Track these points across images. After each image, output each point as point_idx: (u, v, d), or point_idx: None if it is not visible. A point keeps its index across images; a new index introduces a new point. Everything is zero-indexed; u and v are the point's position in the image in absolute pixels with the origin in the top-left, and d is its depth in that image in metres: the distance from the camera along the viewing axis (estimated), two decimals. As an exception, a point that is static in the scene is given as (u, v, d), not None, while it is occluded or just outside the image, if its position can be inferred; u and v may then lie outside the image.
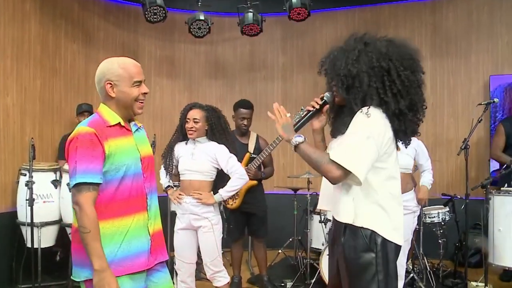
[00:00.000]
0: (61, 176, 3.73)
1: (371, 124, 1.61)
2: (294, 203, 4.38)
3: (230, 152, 2.94)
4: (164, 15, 4.44)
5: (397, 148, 3.07)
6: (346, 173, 1.60)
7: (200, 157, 2.91)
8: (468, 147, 3.56)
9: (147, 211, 1.79)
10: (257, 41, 5.51)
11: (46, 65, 4.32)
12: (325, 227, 3.79)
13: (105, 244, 1.64)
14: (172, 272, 3.07)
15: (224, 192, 2.89)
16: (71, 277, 1.73)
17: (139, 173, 1.77)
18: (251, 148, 3.83)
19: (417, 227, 3.65)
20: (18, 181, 3.65)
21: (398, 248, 1.70)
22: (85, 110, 4.22)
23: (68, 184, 3.59)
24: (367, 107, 1.63)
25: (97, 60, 4.78)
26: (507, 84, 4.66)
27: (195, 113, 2.93)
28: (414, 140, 3.21)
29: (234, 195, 3.38)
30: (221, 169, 2.93)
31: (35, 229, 3.45)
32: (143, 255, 1.74)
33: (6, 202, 3.79)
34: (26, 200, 3.33)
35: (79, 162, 1.61)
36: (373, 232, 1.64)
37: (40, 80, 4.25)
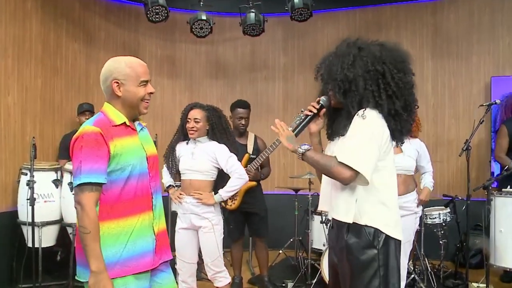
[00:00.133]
0: (62, 176, 3.72)
1: (370, 125, 1.67)
2: (295, 203, 4.37)
3: (231, 152, 2.93)
4: (166, 14, 4.43)
5: (400, 150, 3.10)
6: (355, 173, 1.65)
7: (200, 157, 2.91)
8: (469, 148, 3.56)
9: (153, 210, 1.78)
10: (258, 41, 5.51)
11: (47, 65, 4.32)
12: (326, 228, 3.78)
13: (110, 244, 1.63)
14: (174, 272, 3.07)
15: (224, 192, 2.89)
16: (76, 277, 1.72)
17: (145, 172, 1.76)
18: (249, 149, 3.83)
19: (418, 228, 3.64)
20: (19, 181, 3.65)
21: (399, 243, 1.75)
22: (86, 109, 4.22)
23: (69, 184, 3.59)
24: (363, 109, 1.69)
25: (98, 60, 4.87)
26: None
27: (196, 113, 2.93)
28: (417, 142, 3.24)
29: (233, 195, 3.38)
30: (222, 169, 2.93)
31: (35, 229, 3.44)
32: (148, 255, 1.74)
33: (6, 202, 3.78)
34: (27, 199, 3.33)
35: (84, 161, 1.60)
36: (376, 229, 1.69)
37: (41, 79, 4.24)
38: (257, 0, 4.70)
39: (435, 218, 3.94)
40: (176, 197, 2.95)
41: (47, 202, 3.61)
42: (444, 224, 3.97)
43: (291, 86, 5.64)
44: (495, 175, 4.54)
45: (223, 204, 3.62)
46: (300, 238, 4.45)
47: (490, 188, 3.54)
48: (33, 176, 3.33)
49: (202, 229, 2.89)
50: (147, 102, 1.77)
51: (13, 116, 3.90)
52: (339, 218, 1.76)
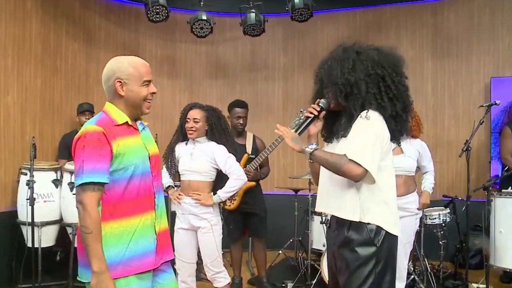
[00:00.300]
0: (61, 176, 3.72)
1: (373, 125, 1.73)
2: (295, 203, 4.37)
3: (229, 153, 2.93)
4: (166, 14, 4.43)
5: (400, 151, 3.09)
6: (365, 171, 1.69)
7: (199, 158, 2.91)
8: (469, 149, 3.56)
9: (155, 210, 1.78)
10: (258, 41, 5.51)
11: (47, 64, 4.31)
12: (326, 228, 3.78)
13: (113, 244, 1.63)
14: (174, 272, 3.06)
15: (223, 193, 2.89)
16: (78, 278, 1.72)
17: (147, 172, 1.76)
18: (248, 149, 3.83)
19: (418, 228, 3.65)
20: (19, 180, 3.64)
21: (397, 239, 1.82)
22: (86, 109, 4.22)
23: (69, 184, 3.59)
24: (366, 111, 1.76)
25: (98, 60, 4.87)
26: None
27: (195, 113, 2.93)
28: (417, 142, 3.23)
29: (232, 196, 3.38)
30: (221, 170, 2.92)
31: (35, 229, 3.43)
32: (150, 255, 1.73)
33: (6, 202, 3.77)
34: (27, 199, 3.32)
35: (86, 161, 1.59)
36: (378, 227, 1.75)
37: (41, 79, 4.23)
38: (258, 0, 4.70)
39: (435, 218, 3.94)
40: (175, 197, 2.94)
41: (46, 202, 3.60)
42: (443, 224, 3.97)
43: (291, 86, 5.64)
44: (498, 175, 4.53)
45: (222, 204, 3.63)
46: (300, 239, 4.45)
47: (490, 188, 3.54)
48: (33, 176, 3.33)
49: (201, 229, 2.88)
50: (149, 102, 1.77)
51: (13, 116, 3.90)
52: (344, 216, 1.79)
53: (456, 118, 5.06)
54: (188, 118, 2.93)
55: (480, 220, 4.03)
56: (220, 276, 2.94)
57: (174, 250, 2.93)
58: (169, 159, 3.02)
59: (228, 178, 2.91)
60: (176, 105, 5.39)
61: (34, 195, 3.33)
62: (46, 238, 3.60)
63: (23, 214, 3.49)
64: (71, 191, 3.57)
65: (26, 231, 3.51)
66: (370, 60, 1.78)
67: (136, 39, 5.35)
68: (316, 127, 1.93)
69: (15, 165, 3.78)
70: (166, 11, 4.40)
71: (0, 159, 3.75)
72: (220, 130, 2.97)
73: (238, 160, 3.56)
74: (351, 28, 5.40)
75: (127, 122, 1.73)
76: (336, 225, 1.87)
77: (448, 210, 4.05)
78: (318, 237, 4.19)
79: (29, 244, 3.47)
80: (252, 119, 3.95)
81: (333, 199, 1.84)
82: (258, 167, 3.83)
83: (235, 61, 5.75)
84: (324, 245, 3.97)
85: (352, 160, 1.68)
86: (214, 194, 2.91)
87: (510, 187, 3.61)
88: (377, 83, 1.76)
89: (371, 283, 1.72)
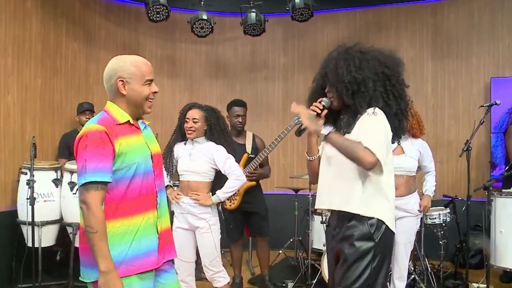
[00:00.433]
0: (62, 175, 3.71)
1: (380, 121, 1.79)
2: (295, 203, 4.37)
3: (228, 153, 2.93)
4: (167, 14, 4.44)
5: (402, 151, 3.09)
6: (377, 161, 1.73)
7: (198, 158, 2.91)
8: (470, 149, 3.56)
9: (157, 209, 1.78)
10: (258, 41, 5.51)
11: (47, 64, 4.31)
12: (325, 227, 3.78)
13: (115, 243, 1.62)
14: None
15: (221, 193, 2.89)
16: (80, 278, 1.71)
17: (150, 171, 1.76)
18: (248, 148, 3.83)
19: (418, 228, 3.65)
20: (19, 180, 3.64)
21: (394, 236, 1.90)
22: (86, 109, 4.22)
23: (69, 183, 3.58)
24: (372, 108, 1.81)
25: (98, 59, 4.86)
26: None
27: (194, 113, 2.92)
28: (419, 142, 3.22)
29: (232, 195, 3.38)
30: (219, 170, 2.92)
31: (35, 228, 3.42)
32: (153, 254, 1.73)
33: (6, 201, 3.77)
34: (27, 199, 3.31)
35: (89, 160, 1.58)
36: (378, 221, 1.79)
37: (41, 79, 4.23)
38: (258, 0, 4.70)
39: (435, 218, 3.94)
40: (174, 197, 2.94)
41: (47, 202, 3.59)
42: (444, 224, 3.97)
43: (291, 86, 5.64)
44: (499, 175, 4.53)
45: (223, 203, 3.63)
46: (300, 238, 4.45)
47: (491, 188, 3.54)
48: (33, 176, 3.32)
49: (200, 229, 2.88)
50: (151, 101, 1.77)
51: (13, 116, 3.89)
52: (350, 209, 1.81)
53: (456, 118, 5.06)
54: (187, 118, 2.92)
55: (480, 220, 4.04)
56: (220, 276, 2.94)
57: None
58: (168, 159, 3.02)
59: (226, 178, 2.91)
60: (176, 105, 5.39)
61: (34, 195, 3.32)
62: (46, 237, 3.59)
63: (23, 213, 3.49)
64: (71, 191, 3.56)
65: (26, 230, 3.51)
66: (375, 59, 1.83)
67: (136, 39, 5.35)
68: (317, 126, 1.92)
69: (15, 165, 3.78)
70: (167, 10, 4.40)
71: (0, 158, 3.75)
72: (219, 130, 2.97)
73: (238, 159, 3.56)
74: (351, 28, 5.40)
75: (128, 121, 1.73)
76: (336, 222, 1.90)
77: (448, 210, 4.05)
78: (319, 236, 4.18)
79: (29, 244, 3.46)
80: (252, 119, 3.95)
81: (338, 194, 1.86)
82: (258, 166, 3.83)
83: (235, 61, 5.75)
84: (324, 245, 3.97)
85: (368, 148, 1.71)
86: (212, 194, 2.91)
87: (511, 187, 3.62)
88: (384, 82, 1.82)
89: (367, 277, 1.76)
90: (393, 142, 1.90)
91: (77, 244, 3.44)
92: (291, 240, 4.51)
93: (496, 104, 3.64)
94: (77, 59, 4.71)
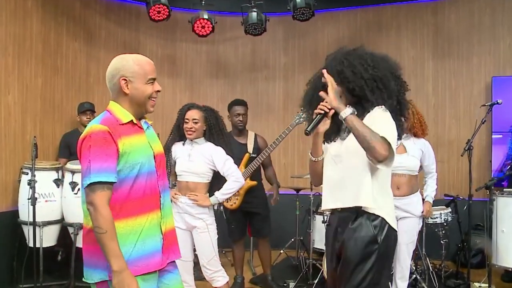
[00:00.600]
0: (63, 175, 3.70)
1: (390, 117, 1.83)
2: (296, 203, 4.37)
3: (227, 154, 2.92)
4: (168, 13, 4.43)
5: (404, 150, 3.08)
6: (389, 155, 1.73)
7: (196, 159, 2.90)
8: (471, 148, 3.56)
9: (161, 209, 1.77)
10: (259, 41, 5.50)
11: (47, 63, 4.30)
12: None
13: (120, 244, 1.61)
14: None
15: (220, 195, 2.89)
16: (83, 279, 1.70)
17: (153, 171, 1.75)
18: (250, 148, 3.82)
19: (420, 228, 3.64)
20: (20, 180, 3.63)
21: (396, 234, 1.89)
22: (87, 108, 4.21)
23: (70, 183, 3.57)
24: (381, 106, 1.83)
25: (99, 59, 4.85)
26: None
27: (194, 114, 2.92)
28: (421, 141, 3.20)
29: (234, 195, 3.38)
30: (218, 171, 2.92)
31: (36, 229, 3.41)
32: (157, 255, 1.72)
33: (7, 201, 3.76)
34: (28, 199, 3.31)
35: (93, 161, 1.58)
36: (381, 221, 1.81)
37: (42, 78, 4.22)
38: (259, -1, 4.70)
39: (437, 218, 3.94)
40: (171, 197, 2.93)
41: (48, 202, 3.59)
42: (445, 224, 3.97)
43: (291, 85, 5.63)
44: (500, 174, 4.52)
45: (224, 203, 3.63)
46: (302, 238, 4.45)
47: (493, 188, 3.54)
48: (34, 176, 3.31)
49: (197, 229, 2.88)
50: (154, 100, 1.76)
51: (14, 115, 3.88)
52: (364, 204, 1.81)
53: (457, 118, 5.07)
54: (187, 119, 2.91)
55: (481, 220, 4.04)
56: (218, 275, 2.93)
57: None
58: (166, 159, 3.01)
59: (225, 178, 2.91)
60: (176, 104, 5.35)
61: (36, 195, 3.31)
62: (48, 238, 3.59)
63: (24, 213, 3.48)
64: (73, 191, 3.56)
65: (27, 231, 3.50)
66: (384, 60, 1.89)
67: (136, 38, 5.34)
68: (324, 126, 1.92)
69: (16, 165, 3.77)
70: (168, 10, 4.40)
71: (1, 158, 3.74)
72: (218, 130, 2.97)
73: (240, 159, 3.55)
74: (351, 27, 5.39)
75: (131, 120, 1.72)
76: (338, 222, 1.89)
77: (449, 210, 4.05)
78: (320, 236, 4.18)
79: (31, 244, 3.45)
80: (252, 118, 3.95)
81: (349, 191, 1.84)
82: (261, 167, 3.83)
83: (235, 61, 5.75)
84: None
85: (384, 140, 1.71)
86: (211, 195, 2.90)
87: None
88: (395, 81, 1.88)
89: (371, 278, 1.76)
90: None
91: (78, 244, 3.45)
92: (293, 239, 4.51)
93: (497, 103, 3.64)
94: (77, 58, 4.70)
